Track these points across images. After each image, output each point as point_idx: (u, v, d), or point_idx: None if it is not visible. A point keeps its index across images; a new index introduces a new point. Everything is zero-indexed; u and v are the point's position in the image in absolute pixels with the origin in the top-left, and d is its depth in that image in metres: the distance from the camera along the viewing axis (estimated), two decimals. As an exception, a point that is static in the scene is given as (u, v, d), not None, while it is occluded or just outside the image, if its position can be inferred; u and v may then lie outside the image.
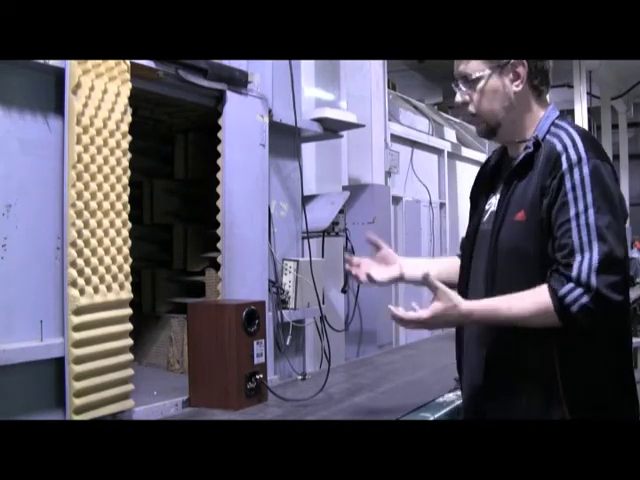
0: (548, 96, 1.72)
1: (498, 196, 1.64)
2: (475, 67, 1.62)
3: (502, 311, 1.51)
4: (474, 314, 1.53)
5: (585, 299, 1.42)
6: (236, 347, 2.53)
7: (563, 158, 1.49)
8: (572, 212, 1.45)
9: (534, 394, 1.55)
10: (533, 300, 1.48)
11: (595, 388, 1.52)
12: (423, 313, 1.53)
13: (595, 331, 1.50)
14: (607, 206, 1.46)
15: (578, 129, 1.56)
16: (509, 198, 1.58)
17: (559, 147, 1.51)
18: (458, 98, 1.67)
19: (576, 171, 1.46)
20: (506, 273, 1.57)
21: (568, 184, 1.46)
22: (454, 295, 1.54)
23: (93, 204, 2.23)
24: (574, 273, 1.43)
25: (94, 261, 2.23)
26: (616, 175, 1.53)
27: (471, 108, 1.65)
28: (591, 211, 1.44)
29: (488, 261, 1.61)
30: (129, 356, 2.37)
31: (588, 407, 1.52)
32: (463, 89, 1.65)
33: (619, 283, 1.43)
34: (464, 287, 1.73)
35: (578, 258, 1.43)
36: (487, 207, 1.69)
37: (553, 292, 1.46)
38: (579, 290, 1.43)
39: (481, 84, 1.61)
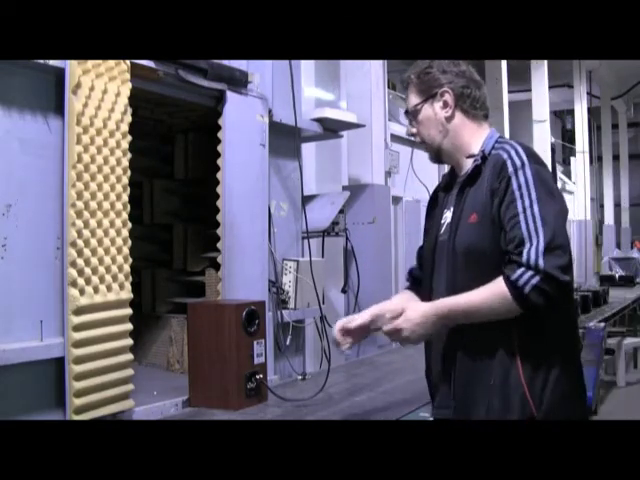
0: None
1: (451, 208, 1.82)
2: (412, 101, 1.86)
3: (462, 304, 1.66)
4: (438, 306, 1.69)
5: (536, 280, 1.55)
6: (236, 347, 2.53)
7: (508, 163, 1.68)
8: (520, 207, 1.62)
9: (495, 375, 1.66)
10: (490, 291, 1.63)
11: (548, 367, 1.65)
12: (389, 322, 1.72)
13: (548, 315, 1.63)
14: (550, 201, 1.64)
15: (519, 142, 1.77)
16: (462, 205, 1.76)
17: (504, 155, 1.70)
18: (407, 131, 1.93)
19: (520, 174, 1.65)
20: (465, 273, 1.72)
21: (515, 184, 1.65)
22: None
23: (93, 204, 2.23)
24: (524, 258, 1.57)
25: (94, 261, 2.23)
26: (555, 179, 1.71)
27: (417, 138, 1.90)
28: (536, 205, 1.61)
29: (448, 264, 1.77)
30: (129, 356, 2.37)
31: (540, 388, 1.64)
32: (409, 122, 1.90)
33: (565, 265, 1.58)
34: (427, 297, 1.85)
35: (527, 245, 1.58)
36: (443, 221, 1.86)
37: (507, 279, 1.59)
38: (530, 272, 1.56)
39: (418, 115, 1.85)
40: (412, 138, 1.92)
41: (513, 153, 1.70)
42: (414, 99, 1.85)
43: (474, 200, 1.73)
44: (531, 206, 1.61)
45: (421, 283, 1.96)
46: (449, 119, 1.81)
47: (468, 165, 1.80)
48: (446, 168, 2.01)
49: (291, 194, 3.41)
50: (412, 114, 1.86)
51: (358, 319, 1.95)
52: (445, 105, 1.80)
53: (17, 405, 2.09)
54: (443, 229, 1.84)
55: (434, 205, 1.95)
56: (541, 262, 1.55)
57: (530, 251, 1.57)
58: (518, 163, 1.67)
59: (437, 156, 1.89)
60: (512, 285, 1.57)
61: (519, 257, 1.58)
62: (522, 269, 1.57)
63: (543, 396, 1.64)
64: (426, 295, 1.87)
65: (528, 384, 1.63)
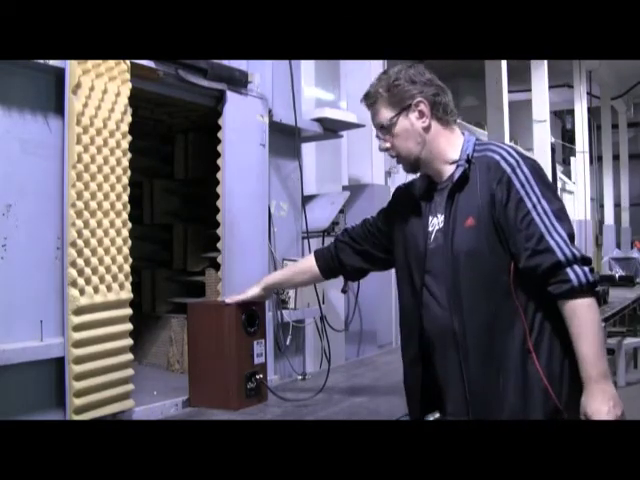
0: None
1: (440, 215, 1.82)
2: (385, 115, 1.82)
3: (592, 347, 1.62)
4: (593, 377, 1.62)
5: (584, 268, 1.63)
6: (236, 347, 2.53)
7: (503, 164, 1.70)
8: (529, 205, 1.66)
9: (513, 374, 1.68)
10: (584, 316, 1.62)
11: (562, 358, 1.70)
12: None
13: (554, 308, 1.68)
14: (551, 194, 1.70)
15: (502, 143, 1.83)
16: (455, 210, 1.76)
17: (496, 157, 1.73)
18: (380, 146, 1.88)
19: (519, 172, 1.69)
20: (467, 275, 1.72)
21: (517, 184, 1.68)
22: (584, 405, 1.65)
23: (93, 204, 2.23)
24: (560, 256, 1.62)
25: (94, 261, 2.23)
26: (555, 179, 1.82)
27: (392, 152, 1.86)
28: (543, 200, 1.67)
29: (447, 269, 1.76)
30: (129, 356, 2.37)
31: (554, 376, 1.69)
32: (382, 137, 1.86)
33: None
34: (413, 307, 1.86)
35: (551, 241, 1.64)
36: (430, 228, 1.84)
37: (572, 291, 1.61)
38: (576, 267, 1.62)
39: (394, 129, 1.81)
40: (386, 153, 1.90)
41: (504, 153, 1.73)
42: (387, 113, 1.81)
43: (468, 204, 1.73)
44: (539, 202, 1.66)
45: (352, 244, 2.15)
46: (427, 129, 1.80)
47: (449, 171, 1.81)
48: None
49: (291, 194, 3.41)
50: (387, 129, 1.82)
51: (244, 296, 2.46)
52: (421, 115, 1.79)
53: (17, 405, 2.08)
54: (433, 236, 1.83)
55: (407, 214, 1.92)
56: (575, 252, 1.63)
57: (561, 246, 1.63)
58: (513, 162, 1.70)
59: (414, 167, 1.87)
60: (581, 289, 1.61)
61: (552, 255, 1.62)
62: (567, 270, 1.62)
63: (562, 385, 1.67)
64: (410, 304, 1.87)
65: (547, 376, 1.66)
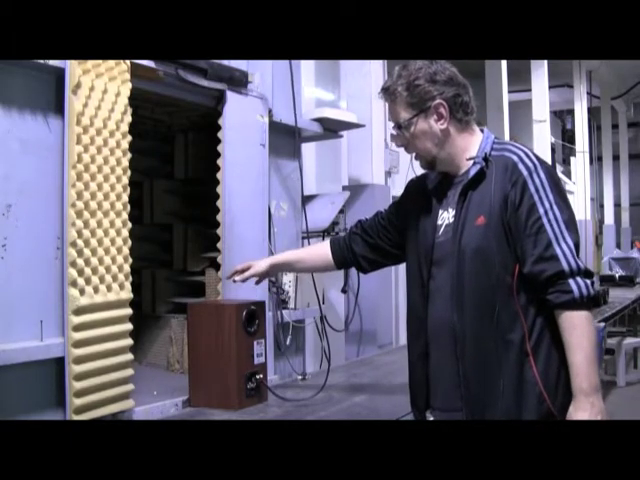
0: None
1: (451, 210, 1.80)
2: (404, 115, 1.79)
3: (587, 363, 1.63)
4: (590, 385, 1.63)
5: (586, 280, 1.64)
6: (236, 347, 2.53)
7: (521, 166, 1.69)
8: (541, 210, 1.66)
9: (509, 375, 1.68)
10: (581, 328, 1.63)
11: (559, 362, 1.69)
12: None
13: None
14: (564, 203, 1.69)
15: (522, 144, 1.80)
16: (467, 207, 1.75)
17: (514, 158, 1.71)
18: (396, 142, 1.87)
19: (535, 176, 1.67)
20: (472, 273, 1.72)
21: (532, 188, 1.67)
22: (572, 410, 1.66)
23: (93, 204, 2.23)
24: (565, 266, 1.63)
25: (94, 261, 2.23)
26: None
27: (409, 150, 1.85)
28: (555, 207, 1.66)
29: (453, 266, 1.75)
30: (129, 356, 2.37)
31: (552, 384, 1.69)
32: (399, 134, 1.84)
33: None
34: (420, 300, 1.85)
35: (558, 249, 1.64)
36: (440, 222, 1.83)
37: (573, 301, 1.62)
38: (578, 279, 1.63)
39: (411, 129, 1.79)
40: (408, 151, 1.87)
41: (523, 155, 1.70)
42: (405, 114, 1.78)
43: (480, 203, 1.72)
44: (551, 208, 1.65)
45: (364, 237, 2.10)
46: (445, 131, 1.77)
47: (465, 167, 1.79)
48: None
49: (291, 194, 3.41)
50: (405, 128, 1.79)
51: (253, 270, 2.26)
52: (440, 117, 1.76)
53: (17, 405, 2.09)
54: (442, 230, 1.81)
55: (419, 205, 1.91)
56: (580, 264, 1.64)
57: (567, 256, 1.63)
58: (531, 166, 1.68)
59: (431, 165, 1.85)
60: (581, 301, 1.62)
61: (556, 264, 1.62)
62: (570, 280, 1.62)
63: (557, 391, 1.67)
64: (418, 297, 1.86)
65: (543, 381, 1.66)
